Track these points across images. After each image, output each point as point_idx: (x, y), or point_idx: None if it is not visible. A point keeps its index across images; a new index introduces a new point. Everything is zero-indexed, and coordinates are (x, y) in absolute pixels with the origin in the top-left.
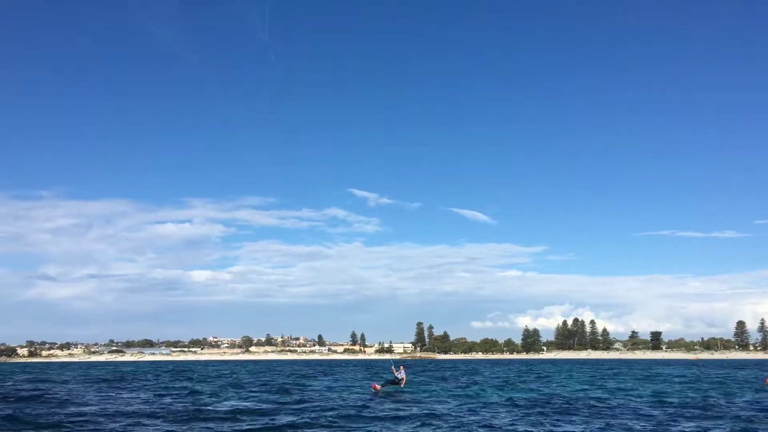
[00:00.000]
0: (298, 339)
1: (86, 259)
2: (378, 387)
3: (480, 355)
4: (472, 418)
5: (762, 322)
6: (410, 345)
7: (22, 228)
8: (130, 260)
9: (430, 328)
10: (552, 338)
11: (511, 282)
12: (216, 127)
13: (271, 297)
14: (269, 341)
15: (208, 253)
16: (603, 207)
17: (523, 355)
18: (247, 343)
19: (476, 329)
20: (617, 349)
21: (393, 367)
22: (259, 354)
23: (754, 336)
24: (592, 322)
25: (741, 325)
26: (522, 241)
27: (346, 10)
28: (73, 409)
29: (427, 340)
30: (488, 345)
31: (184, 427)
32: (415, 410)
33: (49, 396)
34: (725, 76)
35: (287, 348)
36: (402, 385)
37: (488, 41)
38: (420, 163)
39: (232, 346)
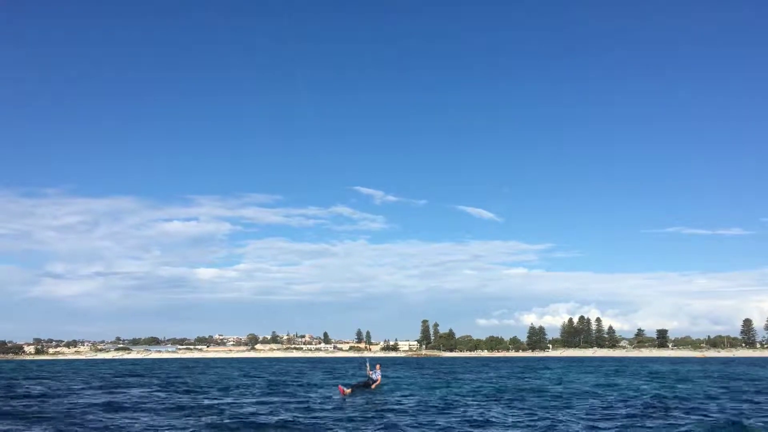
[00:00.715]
0: (303, 337)
1: (93, 256)
2: (347, 391)
3: (485, 353)
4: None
5: None
6: (415, 343)
7: (29, 225)
8: (137, 258)
9: (436, 325)
10: (557, 336)
11: (517, 280)
12: (222, 124)
13: (277, 295)
14: (275, 339)
15: (214, 251)
16: (609, 204)
17: (529, 353)
18: (252, 341)
19: (482, 327)
20: (623, 347)
21: (367, 365)
22: (264, 352)
23: (761, 334)
24: (598, 320)
25: (747, 322)
26: (528, 238)
27: (353, 7)
28: (65, 402)
29: (432, 337)
30: (494, 343)
31: (151, 421)
32: (370, 407)
33: (43, 393)
34: (732, 71)
35: (293, 346)
36: (374, 387)
37: (496, 39)
38: (426, 161)
39: (238, 343)
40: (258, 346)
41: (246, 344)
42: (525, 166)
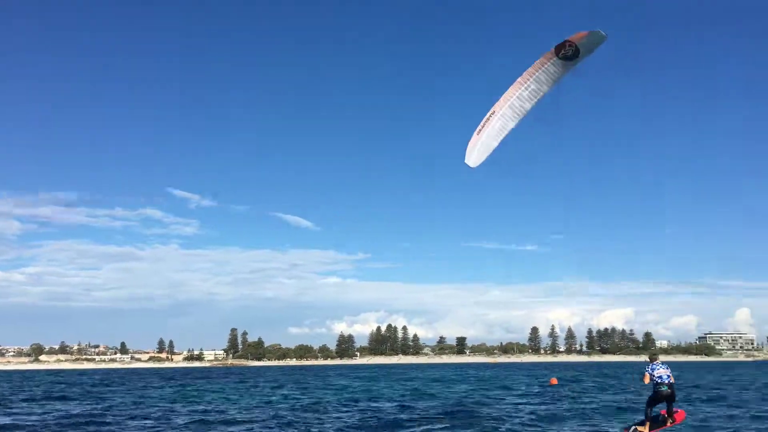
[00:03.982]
0: (98, 347)
1: None
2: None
3: (294, 362)
4: None
5: (552, 329)
6: (222, 352)
7: None
8: None
9: (245, 334)
10: (366, 344)
11: (331, 288)
12: (17, 112)
13: (73, 301)
14: (63, 349)
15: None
16: (421, 217)
17: (337, 361)
18: (36, 352)
19: (293, 335)
20: (426, 354)
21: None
22: (50, 363)
23: (545, 341)
24: (404, 328)
25: (534, 331)
26: (344, 248)
27: None
28: None
29: (240, 346)
30: (303, 351)
31: None
32: None
33: None
34: None
35: (84, 357)
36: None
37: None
38: (247, 165)
39: (19, 354)
40: (43, 357)
41: (28, 355)
42: (344, 176)
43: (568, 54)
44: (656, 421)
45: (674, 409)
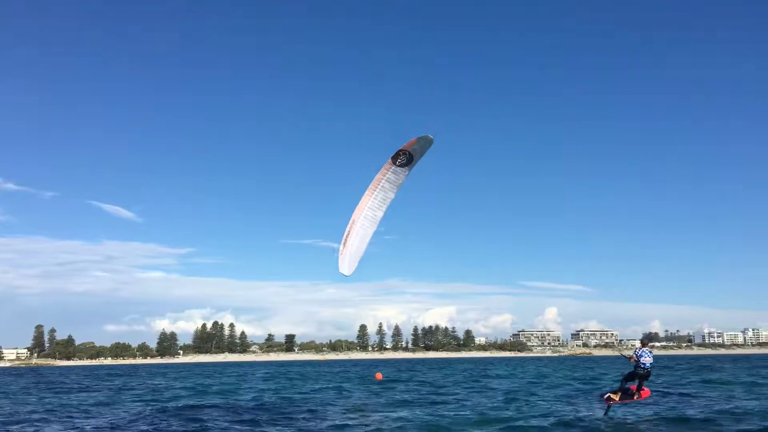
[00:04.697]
0: None
1: None
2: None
3: (109, 361)
4: None
5: (380, 326)
6: (25, 351)
7: None
8: None
9: (52, 331)
10: (191, 342)
11: (154, 284)
12: None
13: None
14: None
15: None
16: (251, 213)
17: (158, 360)
18: None
19: (110, 333)
20: (253, 352)
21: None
22: None
23: (374, 338)
24: (232, 326)
25: (363, 328)
26: (168, 241)
27: None
28: None
29: (47, 345)
30: (119, 350)
31: None
32: None
33: None
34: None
35: None
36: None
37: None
38: (59, 147)
39: None
40: None
41: None
42: (169, 166)
43: (403, 162)
44: (626, 394)
45: (643, 387)
